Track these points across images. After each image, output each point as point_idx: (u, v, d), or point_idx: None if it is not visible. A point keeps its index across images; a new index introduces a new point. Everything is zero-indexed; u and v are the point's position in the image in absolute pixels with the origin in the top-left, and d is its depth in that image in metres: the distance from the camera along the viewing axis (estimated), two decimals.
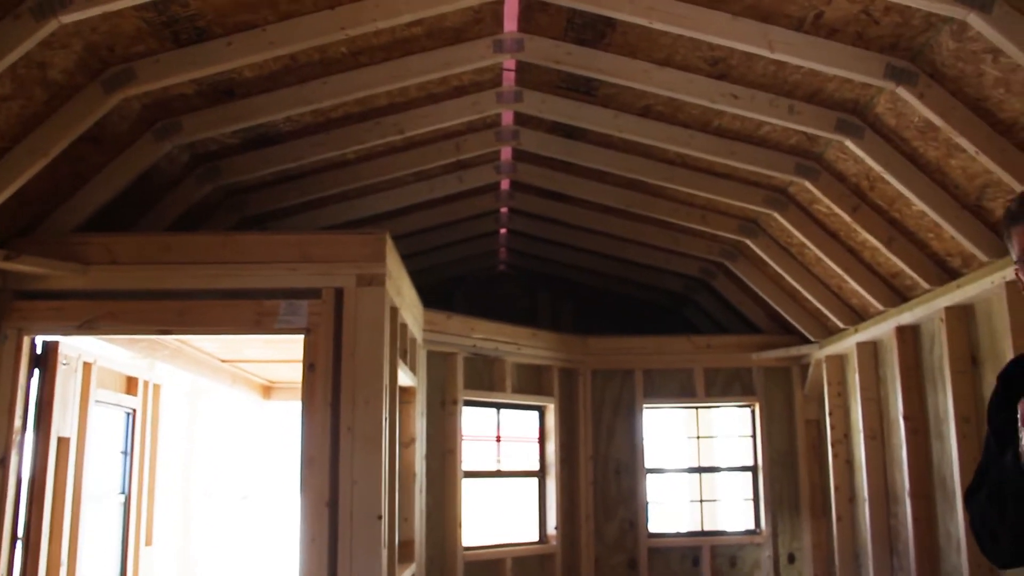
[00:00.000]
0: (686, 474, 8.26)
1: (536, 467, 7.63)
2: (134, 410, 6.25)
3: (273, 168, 5.48)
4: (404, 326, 5.39)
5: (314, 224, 6.31)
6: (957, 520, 5.29)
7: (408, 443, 5.96)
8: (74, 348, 4.97)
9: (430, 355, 6.67)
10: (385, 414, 4.41)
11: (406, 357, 5.52)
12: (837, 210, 5.47)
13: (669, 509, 8.44)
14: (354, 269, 4.49)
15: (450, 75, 4.99)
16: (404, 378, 5.57)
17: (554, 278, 8.98)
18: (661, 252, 7.55)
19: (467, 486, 6.96)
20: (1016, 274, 1.86)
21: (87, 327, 4.50)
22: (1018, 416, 1.71)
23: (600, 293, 9.01)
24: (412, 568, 5.79)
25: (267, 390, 9.04)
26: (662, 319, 9.00)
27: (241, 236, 4.73)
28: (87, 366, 5.19)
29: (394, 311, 4.87)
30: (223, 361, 7.22)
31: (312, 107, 4.89)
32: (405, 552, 5.81)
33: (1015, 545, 1.86)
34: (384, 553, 4.31)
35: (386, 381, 4.45)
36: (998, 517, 1.86)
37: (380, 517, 4.25)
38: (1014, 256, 1.85)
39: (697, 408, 8.23)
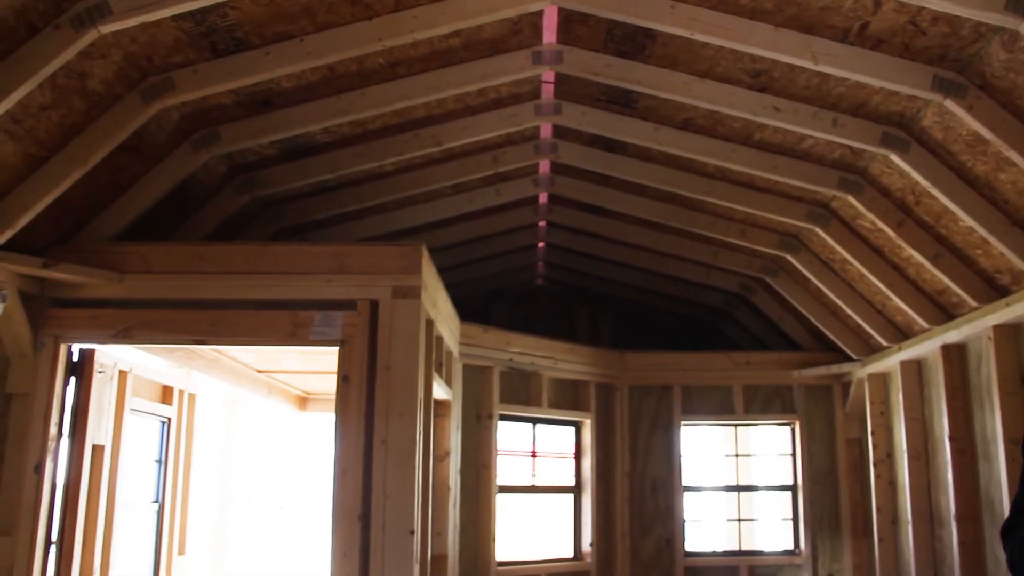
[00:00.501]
0: (724, 492, 8.14)
1: (572, 483, 7.55)
2: (169, 419, 6.26)
3: (310, 179, 5.48)
4: (440, 339, 5.35)
5: (351, 236, 6.31)
6: None
7: (443, 457, 5.91)
8: (110, 356, 4.99)
9: (466, 369, 6.63)
10: (419, 427, 4.37)
11: (441, 370, 5.48)
12: (881, 225, 5.36)
13: (707, 528, 8.32)
14: (390, 281, 4.47)
15: (488, 87, 4.96)
16: (439, 391, 5.53)
17: (592, 292, 8.91)
18: (700, 267, 7.46)
19: (502, 501, 6.90)
20: None
21: (122, 336, 4.51)
22: None
23: (639, 308, 8.93)
24: None
25: (303, 401, 9.04)
26: (701, 335, 8.89)
27: (276, 247, 4.72)
28: (123, 374, 5.21)
29: (429, 324, 4.83)
30: (259, 372, 7.23)
31: (349, 118, 4.88)
32: (438, 567, 5.76)
33: None
34: (416, 568, 4.27)
35: (421, 394, 4.41)
36: None
37: (412, 532, 4.21)
38: None
39: (736, 426, 8.11)
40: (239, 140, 4.87)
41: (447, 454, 5.95)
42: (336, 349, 4.43)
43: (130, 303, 4.61)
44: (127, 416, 5.22)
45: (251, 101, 4.69)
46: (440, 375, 5.40)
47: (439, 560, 5.78)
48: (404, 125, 5.24)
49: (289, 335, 4.43)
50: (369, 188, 5.85)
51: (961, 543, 5.67)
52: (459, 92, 4.89)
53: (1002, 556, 5.23)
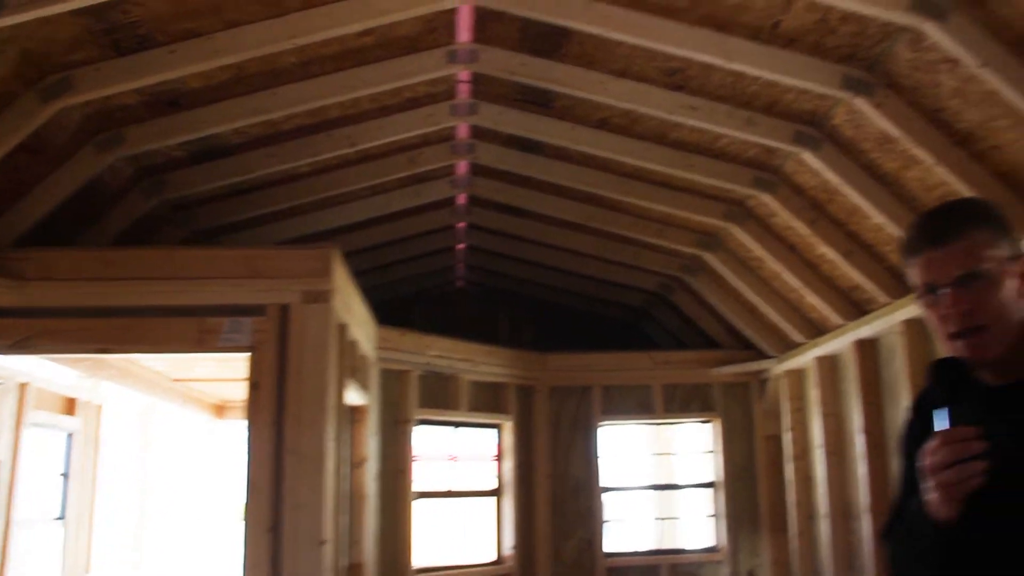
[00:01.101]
0: (648, 491, 8.16)
1: (493, 486, 7.49)
2: (72, 432, 6.03)
3: (222, 181, 5.33)
4: (354, 343, 5.24)
5: (267, 239, 6.15)
6: None
7: (359, 463, 5.80)
8: (8, 368, 4.77)
9: (383, 373, 6.52)
10: (331, 434, 4.26)
11: (357, 375, 5.37)
12: (795, 223, 5.42)
13: (632, 527, 8.33)
14: (300, 285, 4.35)
15: (403, 86, 4.87)
16: (355, 397, 5.42)
17: (514, 294, 8.86)
18: (621, 267, 7.47)
19: (422, 506, 6.81)
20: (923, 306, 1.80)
21: (21, 346, 4.32)
22: (922, 463, 1.61)
23: (561, 309, 8.91)
24: None
25: (220, 409, 8.82)
26: (623, 335, 8.91)
27: (184, 251, 4.58)
28: (22, 387, 4.99)
29: (342, 328, 4.72)
30: (173, 380, 7.02)
31: (261, 118, 4.74)
32: (355, 575, 5.64)
33: None
34: None
35: (332, 400, 4.30)
36: (910, 568, 1.79)
37: (324, 542, 4.10)
38: (916, 289, 1.80)
39: (656, 425, 8.14)
40: (145, 141, 4.70)
41: (364, 461, 5.84)
42: (246, 356, 4.29)
43: (30, 312, 4.40)
44: (27, 430, 5.00)
45: (157, 101, 4.53)
46: (355, 380, 5.29)
47: (356, 569, 5.67)
48: (318, 126, 5.12)
49: (197, 342, 4.28)
50: (284, 190, 5.71)
51: (875, 535, 5.76)
52: (373, 92, 4.79)
53: None
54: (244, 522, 4.14)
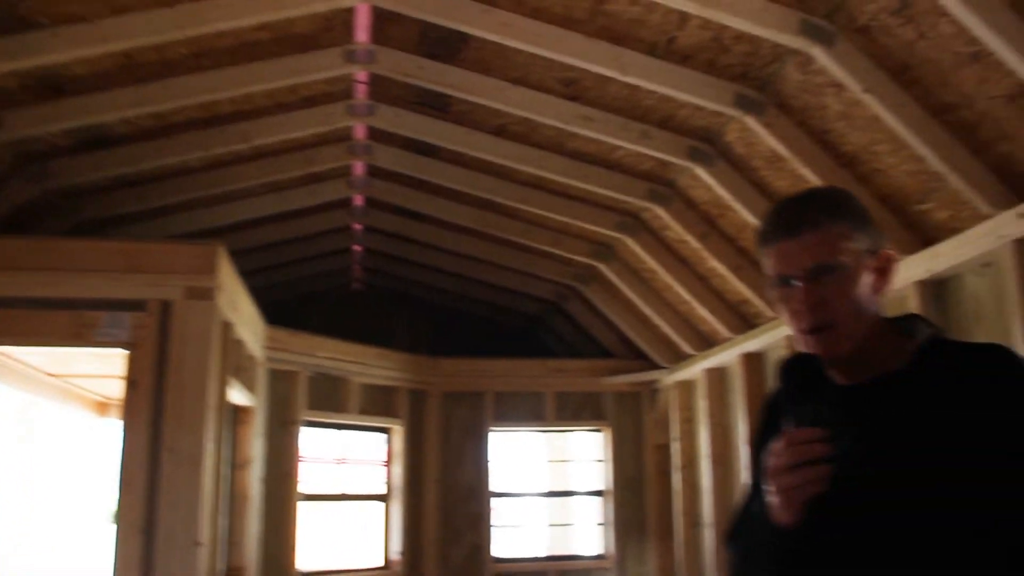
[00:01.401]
0: (541, 498, 8.19)
1: (381, 490, 7.42)
2: None
3: (109, 172, 5.16)
4: (240, 342, 5.14)
5: (158, 233, 5.96)
6: None
7: (243, 464, 5.68)
8: None
9: (272, 374, 6.40)
10: (211, 434, 4.16)
11: (242, 375, 5.26)
12: (688, 237, 5.51)
13: (524, 533, 8.34)
14: (183, 281, 4.24)
15: (299, 84, 4.80)
16: (240, 397, 5.31)
17: (410, 298, 8.81)
18: (516, 274, 7.49)
19: (308, 509, 6.71)
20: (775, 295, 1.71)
21: None
22: (767, 464, 1.52)
23: (457, 314, 8.89)
24: None
25: (103, 407, 8.53)
26: (519, 342, 8.93)
27: (62, 241, 4.42)
28: None
29: (227, 326, 4.62)
30: (52, 375, 6.76)
31: (150, 109, 4.62)
32: None
33: None
34: None
35: (213, 399, 4.21)
36: (754, 569, 1.69)
37: (199, 544, 4.00)
38: (769, 280, 1.71)
39: (548, 432, 8.18)
40: (26, 127, 4.53)
41: (248, 462, 5.72)
42: (125, 352, 4.17)
43: None
44: None
45: (40, 86, 4.36)
46: (240, 380, 5.18)
47: (236, 572, 5.55)
48: (210, 120, 5.01)
49: (74, 336, 4.14)
50: (174, 184, 5.56)
51: None
52: (268, 88, 4.71)
53: None
54: (116, 522, 4.01)
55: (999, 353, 1.58)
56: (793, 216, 1.65)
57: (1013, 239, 3.65)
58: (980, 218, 3.84)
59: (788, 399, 1.61)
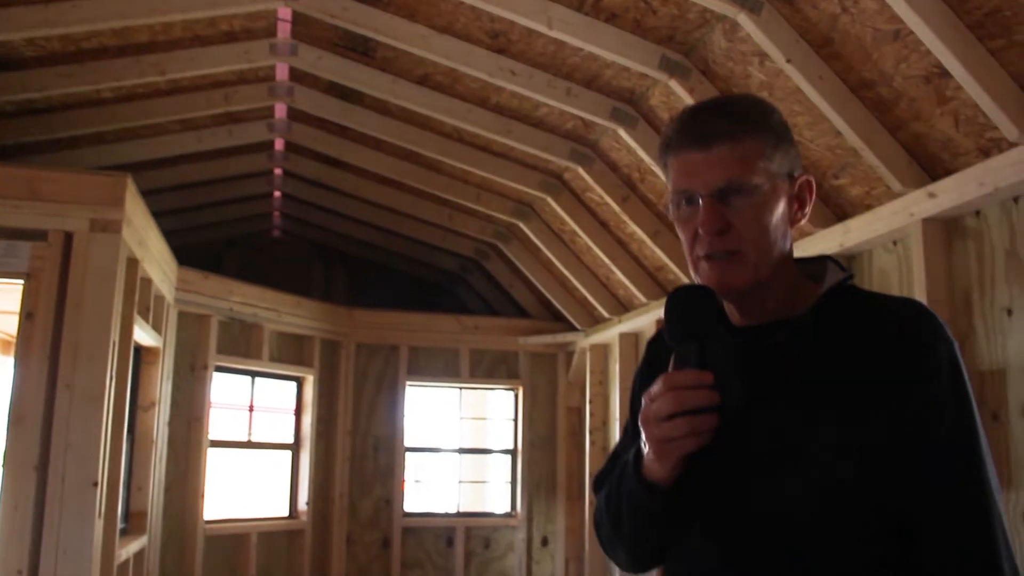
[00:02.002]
0: (455, 454, 8.20)
1: (291, 440, 7.35)
2: None
3: (13, 96, 4.95)
4: (148, 281, 5.00)
5: (66, 166, 5.77)
6: None
7: (148, 407, 5.56)
8: None
9: (182, 316, 6.26)
10: (112, 372, 4.06)
11: (149, 315, 5.14)
12: (608, 199, 5.50)
13: (436, 489, 8.34)
14: (88, 212, 4.09)
15: (219, 17, 4.66)
16: (146, 337, 5.19)
17: (329, 248, 8.69)
18: (437, 229, 7.43)
19: (215, 456, 6.61)
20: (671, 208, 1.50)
21: None
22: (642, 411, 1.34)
23: (376, 266, 8.80)
24: (143, 540, 5.41)
25: (6, 345, 8.30)
26: (436, 297, 8.89)
27: None
28: None
29: (133, 263, 4.49)
30: None
31: (59, 31, 4.42)
32: (136, 523, 5.42)
33: (633, 560, 1.53)
34: (99, 524, 3.97)
35: (115, 337, 4.10)
36: (612, 526, 1.51)
37: (96, 484, 3.90)
38: (670, 189, 1.49)
39: (462, 388, 8.18)
40: None
41: (153, 404, 5.60)
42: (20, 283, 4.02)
43: None
44: None
45: None
46: (147, 320, 5.06)
47: (138, 516, 5.44)
48: (124, 49, 4.84)
49: None
50: (84, 115, 5.37)
51: None
52: (186, 18, 4.56)
53: None
54: (5, 459, 3.89)
55: (912, 308, 1.42)
56: (707, 124, 1.43)
57: (922, 218, 3.72)
58: (892, 196, 3.90)
59: (672, 336, 1.36)
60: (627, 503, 1.43)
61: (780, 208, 1.43)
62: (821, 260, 1.52)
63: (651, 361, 1.62)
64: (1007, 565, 1.31)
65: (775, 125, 1.45)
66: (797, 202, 1.47)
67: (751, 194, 1.39)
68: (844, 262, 4.33)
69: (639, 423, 1.34)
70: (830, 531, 1.33)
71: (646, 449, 1.35)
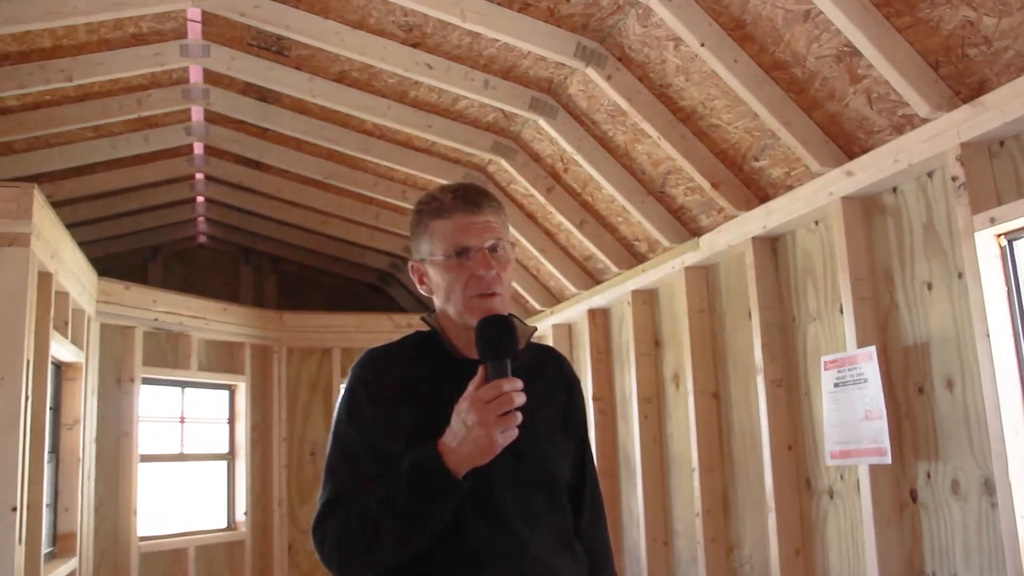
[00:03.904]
0: None
1: (225, 450, 7.22)
2: None
3: None
4: (64, 295, 4.85)
5: None
6: (638, 497, 5.45)
7: (72, 424, 5.40)
8: None
9: (105, 329, 6.11)
10: (27, 392, 3.92)
11: (68, 330, 4.98)
12: (533, 191, 5.48)
13: None
14: None
15: (124, 19, 4.53)
16: (66, 352, 5.04)
17: (257, 252, 8.55)
18: (364, 228, 7.34)
19: (146, 471, 6.46)
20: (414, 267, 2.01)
21: None
22: (471, 409, 1.73)
23: (305, 269, 8.69)
24: (73, 562, 5.26)
25: None
26: (367, 298, 8.80)
27: None
28: None
29: (46, 276, 4.35)
30: None
31: None
32: (65, 546, 5.27)
33: (400, 554, 1.83)
34: (20, 550, 3.84)
35: (30, 355, 3.96)
36: (394, 527, 1.79)
37: (15, 509, 3.77)
38: (439, 249, 1.93)
39: None
40: None
41: (77, 421, 5.44)
42: None
43: None
44: None
45: None
46: (65, 335, 4.91)
47: (66, 538, 5.29)
48: (27, 54, 4.68)
49: None
50: None
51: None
52: (89, 21, 4.41)
53: (635, 508, 5.56)
54: None
55: (556, 351, 2.17)
56: (474, 196, 1.92)
57: (841, 197, 3.75)
58: (812, 176, 3.92)
59: (489, 354, 1.76)
60: (430, 498, 1.77)
61: (512, 267, 1.97)
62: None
63: (378, 382, 1.94)
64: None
65: (503, 210, 1.99)
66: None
67: (504, 251, 1.90)
68: (769, 244, 4.36)
69: (476, 424, 1.71)
70: (560, 487, 1.96)
71: (474, 444, 1.72)
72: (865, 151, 3.62)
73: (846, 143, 3.73)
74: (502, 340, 1.79)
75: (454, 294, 1.90)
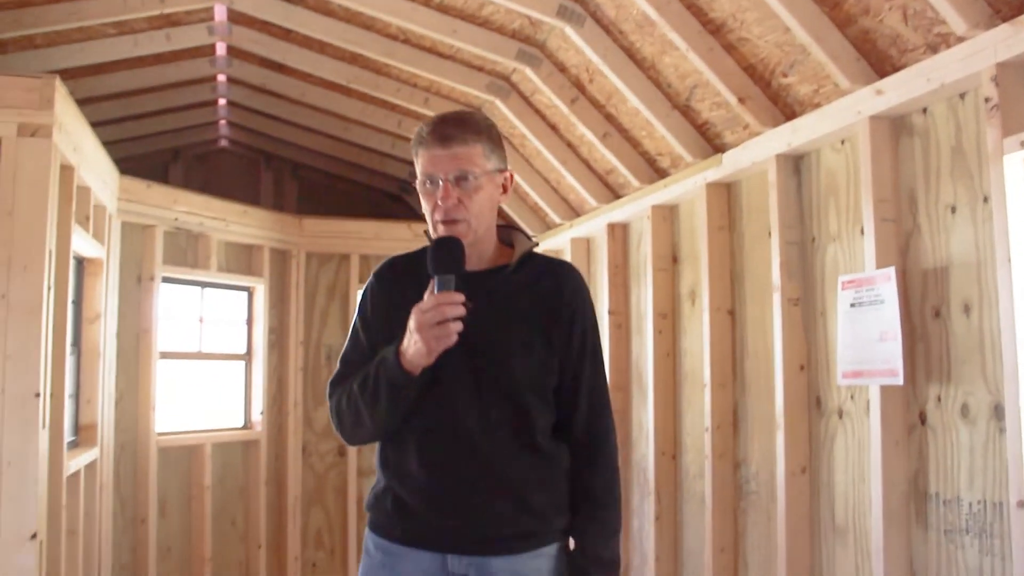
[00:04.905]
0: None
1: (243, 350, 7.31)
2: None
3: None
4: (86, 189, 4.87)
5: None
6: (648, 412, 5.50)
7: (93, 319, 5.47)
8: None
9: (126, 227, 6.14)
10: (49, 282, 3.96)
11: (89, 225, 5.01)
12: (557, 101, 5.42)
13: None
14: (15, 116, 3.90)
15: None
16: (87, 247, 5.08)
17: (277, 157, 8.52)
18: (386, 136, 7.29)
19: (166, 368, 6.56)
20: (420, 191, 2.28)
21: None
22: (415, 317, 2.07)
23: (326, 176, 8.67)
24: (95, 452, 5.38)
25: None
26: (388, 206, 8.79)
27: None
28: None
29: (68, 170, 4.35)
30: None
31: None
32: (86, 436, 5.38)
33: (378, 433, 2.31)
34: (44, 434, 3.93)
35: (51, 246, 3.99)
36: (367, 410, 2.22)
37: (38, 395, 3.84)
38: (418, 175, 2.27)
39: None
40: None
41: (98, 316, 5.51)
42: None
43: None
44: None
45: None
46: (87, 230, 4.94)
47: (87, 429, 5.40)
48: None
49: None
50: (9, 16, 5.13)
51: (613, 410, 6.00)
52: None
53: (645, 422, 5.61)
54: None
55: (569, 264, 2.40)
56: (447, 131, 2.19)
57: (869, 116, 3.69)
58: (840, 94, 3.86)
59: (436, 269, 2.08)
60: (388, 388, 2.14)
61: (490, 192, 2.26)
62: (515, 230, 2.45)
63: (383, 286, 2.41)
64: (611, 420, 2.43)
65: (493, 135, 2.28)
66: (502, 189, 2.36)
67: (472, 181, 2.19)
68: (792, 162, 4.31)
69: (414, 330, 2.06)
70: (525, 395, 2.23)
71: (414, 348, 2.06)
72: (897, 70, 3.55)
73: (878, 61, 3.66)
74: (445, 259, 2.08)
75: (428, 216, 2.25)
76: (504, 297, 2.27)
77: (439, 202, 2.19)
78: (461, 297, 2.03)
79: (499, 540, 2.22)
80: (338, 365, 2.42)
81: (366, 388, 2.19)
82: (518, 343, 2.23)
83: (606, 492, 2.34)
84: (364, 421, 2.24)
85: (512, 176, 2.38)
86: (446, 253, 2.10)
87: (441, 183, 2.18)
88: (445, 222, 2.18)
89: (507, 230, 2.43)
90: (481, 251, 2.29)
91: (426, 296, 2.06)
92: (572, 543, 2.38)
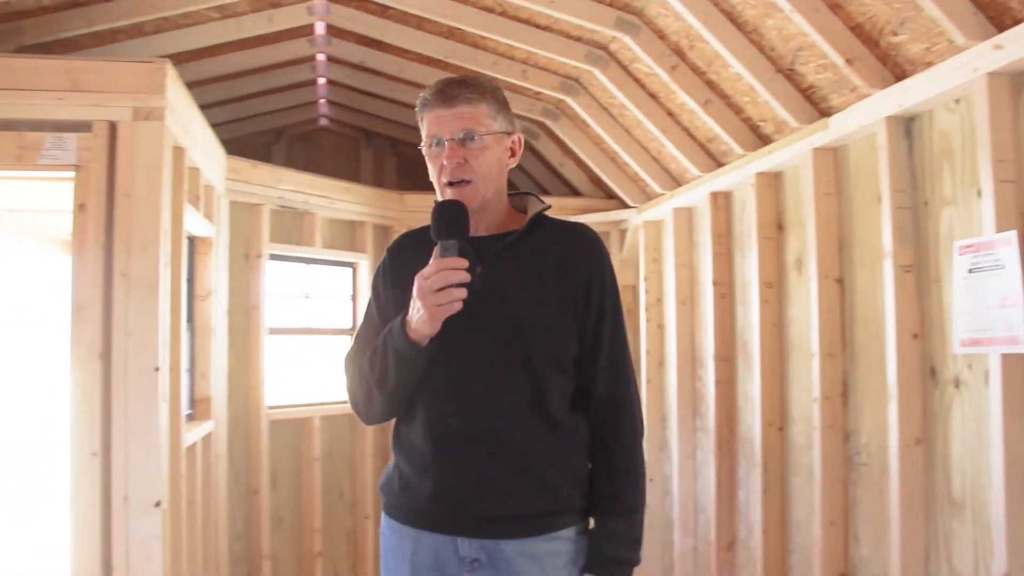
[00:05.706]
0: None
1: (347, 325, 7.44)
2: None
3: None
4: (196, 170, 5.00)
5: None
6: (754, 381, 5.42)
7: (204, 296, 5.63)
8: None
9: (233, 206, 6.30)
10: (165, 260, 4.09)
11: (199, 204, 5.15)
12: (657, 69, 5.35)
13: None
14: (130, 101, 4.03)
15: None
16: (198, 226, 5.22)
17: (377, 134, 8.63)
18: None
19: (274, 343, 6.73)
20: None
21: None
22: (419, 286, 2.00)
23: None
24: (209, 425, 5.56)
25: (67, 244, 8.43)
26: None
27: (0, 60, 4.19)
28: None
29: (179, 151, 4.47)
30: (10, 211, 6.63)
31: None
32: (201, 409, 5.57)
33: (391, 408, 2.26)
34: (164, 407, 4.07)
35: (167, 225, 4.11)
36: (376, 384, 2.18)
37: (158, 369, 3.98)
38: (424, 139, 2.22)
39: None
40: None
41: (209, 293, 5.67)
42: (71, 176, 4.03)
43: None
44: None
45: None
46: (198, 209, 5.08)
47: (202, 402, 5.58)
48: None
49: (15, 159, 3.96)
50: (121, 6, 5.28)
51: (717, 381, 5.96)
52: None
53: (751, 392, 5.54)
54: (72, 348, 3.97)
55: (584, 226, 2.32)
56: (452, 92, 2.16)
57: (987, 72, 3.54)
58: (955, 51, 3.71)
59: (439, 235, 2.03)
60: (395, 359, 2.09)
61: (498, 154, 2.20)
62: (529, 194, 2.36)
63: (396, 259, 2.37)
64: (634, 387, 2.28)
65: (499, 98, 2.27)
66: (510, 152, 2.27)
67: (479, 141, 2.14)
68: (903, 124, 4.17)
69: (416, 297, 1.99)
70: (539, 363, 2.12)
71: (417, 316, 2.01)
72: (1018, 23, 3.39)
73: (996, 14, 3.51)
74: (447, 224, 2.03)
75: (434, 180, 2.21)
76: (514, 261, 2.18)
77: (444, 163, 2.14)
78: (464, 262, 1.96)
79: (510, 521, 2.08)
80: (352, 342, 2.38)
81: (375, 362, 2.15)
82: (531, 308, 2.14)
83: (628, 462, 2.19)
84: (375, 395, 2.20)
85: (521, 140, 2.30)
86: (448, 217, 2.04)
87: (446, 143, 2.14)
88: (451, 184, 2.14)
89: (522, 197, 2.37)
90: (491, 217, 2.24)
91: (432, 262, 2.00)
92: (591, 522, 2.23)
